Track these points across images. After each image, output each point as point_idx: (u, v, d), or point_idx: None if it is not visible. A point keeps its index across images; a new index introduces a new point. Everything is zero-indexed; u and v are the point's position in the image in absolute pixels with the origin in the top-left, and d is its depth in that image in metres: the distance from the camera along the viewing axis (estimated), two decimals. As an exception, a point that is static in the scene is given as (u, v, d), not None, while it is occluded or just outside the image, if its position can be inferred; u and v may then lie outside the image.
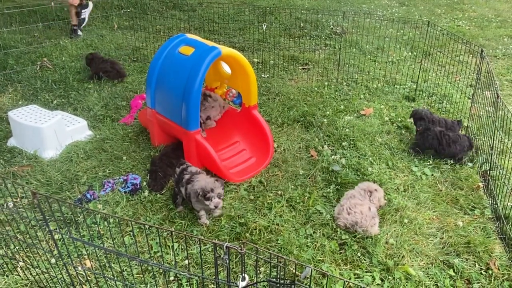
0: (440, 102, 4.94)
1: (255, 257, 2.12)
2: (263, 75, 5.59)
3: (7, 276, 2.58)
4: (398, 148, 4.04)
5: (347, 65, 5.82)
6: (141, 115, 4.13)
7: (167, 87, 3.54)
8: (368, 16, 7.15)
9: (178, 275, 2.63)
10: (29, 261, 2.61)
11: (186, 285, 2.60)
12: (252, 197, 3.36)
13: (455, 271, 2.78)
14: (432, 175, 3.70)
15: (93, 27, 7.05)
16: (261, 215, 3.17)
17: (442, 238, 3.05)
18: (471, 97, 4.44)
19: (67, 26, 6.80)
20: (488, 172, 3.59)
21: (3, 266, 2.65)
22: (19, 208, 3.17)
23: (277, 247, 2.89)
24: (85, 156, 3.80)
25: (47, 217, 2.89)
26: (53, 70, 5.46)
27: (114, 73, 5.23)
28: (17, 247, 2.80)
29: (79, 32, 6.65)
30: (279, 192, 3.43)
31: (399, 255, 2.87)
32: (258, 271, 2.68)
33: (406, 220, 3.16)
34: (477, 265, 2.84)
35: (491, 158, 3.53)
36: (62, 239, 2.78)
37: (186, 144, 3.51)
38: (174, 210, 3.17)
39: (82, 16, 6.66)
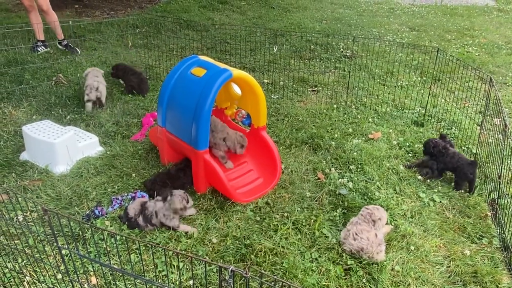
0: (449, 128, 4.94)
1: (259, 281, 2.12)
2: (272, 96, 5.66)
3: (13, 290, 2.61)
4: (406, 173, 4.04)
5: (356, 88, 5.86)
6: (151, 133, 4.20)
7: (178, 106, 3.61)
8: (378, 40, 7.23)
9: (182, 295, 2.64)
10: (36, 276, 2.64)
11: (190, 305, 2.61)
12: (258, 218, 3.37)
13: (462, 301, 2.75)
14: (440, 202, 3.68)
15: (108, 45, 7.22)
16: (267, 237, 3.18)
17: (449, 266, 3.02)
18: (480, 124, 4.44)
19: (83, 43, 6.99)
20: (496, 200, 3.56)
21: (10, 280, 2.68)
22: (29, 222, 3.22)
23: (282, 270, 2.89)
24: (95, 172, 3.86)
25: (56, 232, 2.93)
26: (67, 86, 5.58)
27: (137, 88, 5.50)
28: (24, 261, 2.83)
29: (77, 49, 6.75)
30: (285, 214, 3.43)
31: (405, 283, 2.84)
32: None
33: (412, 247, 3.13)
34: (484, 295, 2.80)
35: (499, 186, 3.51)
36: (69, 255, 2.81)
37: (195, 163, 3.55)
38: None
39: None
